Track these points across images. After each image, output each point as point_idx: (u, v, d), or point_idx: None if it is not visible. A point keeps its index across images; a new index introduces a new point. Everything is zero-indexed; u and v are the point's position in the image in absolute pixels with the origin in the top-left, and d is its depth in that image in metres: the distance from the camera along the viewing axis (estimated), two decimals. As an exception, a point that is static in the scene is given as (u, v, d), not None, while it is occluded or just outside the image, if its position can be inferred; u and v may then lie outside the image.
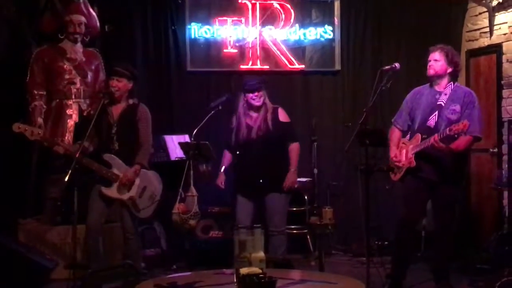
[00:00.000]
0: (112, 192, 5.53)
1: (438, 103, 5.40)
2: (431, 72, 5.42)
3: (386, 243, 6.91)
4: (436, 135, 5.17)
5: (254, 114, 6.05)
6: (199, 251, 6.65)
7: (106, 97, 5.56)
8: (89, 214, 5.56)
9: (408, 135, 5.57)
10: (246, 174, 6.02)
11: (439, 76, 5.42)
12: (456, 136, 5.14)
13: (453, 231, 5.57)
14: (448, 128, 5.10)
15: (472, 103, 5.37)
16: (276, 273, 3.93)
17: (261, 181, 5.92)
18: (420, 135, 5.36)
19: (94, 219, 5.57)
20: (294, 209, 7.06)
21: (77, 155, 5.15)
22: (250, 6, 7.51)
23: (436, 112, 5.38)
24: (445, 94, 5.41)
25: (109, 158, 5.53)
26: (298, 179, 6.93)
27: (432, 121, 5.38)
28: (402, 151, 5.50)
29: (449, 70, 5.42)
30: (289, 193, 6.11)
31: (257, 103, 6.01)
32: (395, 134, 5.65)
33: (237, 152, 6.07)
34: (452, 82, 5.45)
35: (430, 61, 5.42)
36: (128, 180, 5.51)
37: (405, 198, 5.56)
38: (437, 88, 5.45)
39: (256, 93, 5.98)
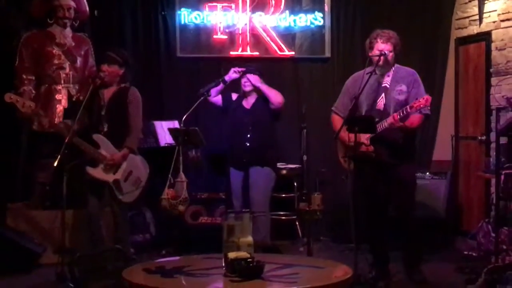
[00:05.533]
0: (97, 172, 5.55)
1: (383, 85, 5.41)
2: (384, 63, 5.36)
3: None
4: (395, 114, 5.16)
5: (249, 97, 6.32)
6: (188, 236, 6.66)
7: (96, 82, 5.56)
8: (88, 200, 5.63)
9: None
10: (236, 148, 6.25)
11: (389, 65, 5.42)
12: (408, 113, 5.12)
13: (415, 216, 5.51)
14: (408, 106, 5.11)
15: (417, 81, 5.40)
16: (264, 258, 3.95)
17: (244, 160, 6.19)
18: None
19: (93, 204, 5.63)
20: (283, 195, 7.10)
21: (66, 140, 5.15)
22: (240, -8, 7.50)
23: (383, 95, 5.38)
24: (388, 76, 5.43)
25: (98, 138, 5.55)
26: (288, 166, 7.04)
27: (380, 103, 5.38)
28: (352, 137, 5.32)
29: (394, 57, 5.43)
30: (272, 167, 6.23)
31: (247, 87, 6.26)
32: (339, 121, 5.54)
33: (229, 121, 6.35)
34: (393, 64, 5.46)
35: (383, 51, 5.33)
36: (115, 162, 5.52)
37: (364, 187, 5.46)
38: (379, 72, 5.44)
39: (249, 76, 6.22)
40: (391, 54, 5.38)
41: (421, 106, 5.05)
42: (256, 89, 6.28)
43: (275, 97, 6.23)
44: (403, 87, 5.37)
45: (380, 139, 5.30)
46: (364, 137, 5.30)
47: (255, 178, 6.16)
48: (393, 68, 5.45)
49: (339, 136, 5.37)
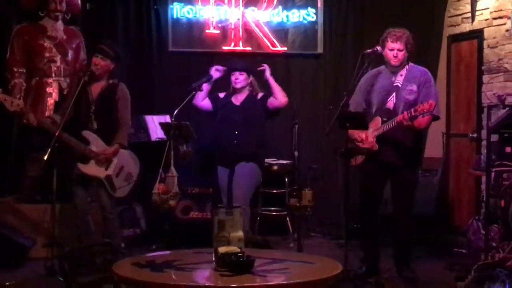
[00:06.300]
0: (89, 169, 5.52)
1: (394, 84, 5.40)
2: (397, 63, 5.37)
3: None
4: (405, 112, 5.15)
5: (239, 94, 6.22)
6: (179, 231, 6.65)
7: (87, 75, 5.52)
8: (76, 194, 5.59)
9: None
10: (223, 146, 6.17)
11: (402, 64, 5.42)
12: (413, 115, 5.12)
13: (412, 215, 5.54)
14: (413, 109, 5.09)
15: (428, 81, 5.39)
16: (254, 253, 3.95)
17: (232, 157, 6.10)
18: (380, 118, 5.34)
19: (81, 199, 5.60)
20: (274, 191, 7.11)
21: (57, 133, 5.13)
22: (233, -14, 7.48)
23: (394, 94, 5.38)
24: (401, 75, 5.42)
25: (87, 135, 5.52)
26: (279, 162, 7.02)
27: (390, 103, 5.38)
28: (361, 134, 5.41)
29: (407, 55, 5.42)
30: (258, 163, 6.16)
31: (238, 84, 6.16)
32: None
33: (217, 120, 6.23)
34: (407, 63, 5.46)
35: (393, 50, 5.33)
36: (107, 157, 5.50)
37: (364, 184, 5.52)
38: (393, 70, 5.45)
39: (239, 73, 6.14)
40: (402, 52, 5.34)
41: (425, 110, 5.03)
42: (249, 85, 6.23)
43: (281, 95, 6.17)
44: (414, 87, 5.34)
45: (389, 140, 5.30)
46: (372, 135, 5.31)
47: (239, 173, 6.09)
48: (406, 67, 5.44)
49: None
